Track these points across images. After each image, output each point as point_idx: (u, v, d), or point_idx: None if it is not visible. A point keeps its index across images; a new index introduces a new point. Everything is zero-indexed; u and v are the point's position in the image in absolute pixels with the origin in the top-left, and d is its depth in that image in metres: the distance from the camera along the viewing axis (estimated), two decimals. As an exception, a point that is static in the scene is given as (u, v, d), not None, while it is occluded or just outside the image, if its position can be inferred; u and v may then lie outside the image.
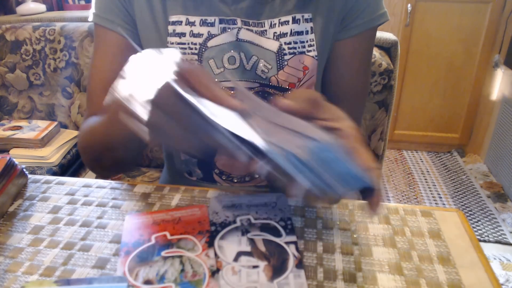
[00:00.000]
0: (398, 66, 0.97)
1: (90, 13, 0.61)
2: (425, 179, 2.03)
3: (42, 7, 1.49)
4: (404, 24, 1.96)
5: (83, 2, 1.60)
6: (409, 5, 1.91)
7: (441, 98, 2.12)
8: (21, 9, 1.44)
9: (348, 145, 0.38)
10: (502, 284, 1.45)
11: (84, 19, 1.30)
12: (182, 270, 0.37)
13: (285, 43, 0.57)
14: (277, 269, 0.37)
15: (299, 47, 0.57)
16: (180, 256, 0.39)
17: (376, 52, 0.93)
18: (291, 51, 0.57)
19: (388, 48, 0.96)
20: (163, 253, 0.40)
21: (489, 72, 2.00)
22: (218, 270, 0.37)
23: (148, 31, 0.60)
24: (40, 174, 1.16)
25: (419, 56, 2.03)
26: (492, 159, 2.02)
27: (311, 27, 0.57)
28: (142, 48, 0.62)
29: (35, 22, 1.27)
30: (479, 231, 1.66)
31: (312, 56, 0.58)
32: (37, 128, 1.26)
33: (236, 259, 0.39)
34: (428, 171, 2.10)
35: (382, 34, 0.97)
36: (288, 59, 0.57)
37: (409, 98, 2.14)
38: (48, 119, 1.33)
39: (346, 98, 0.64)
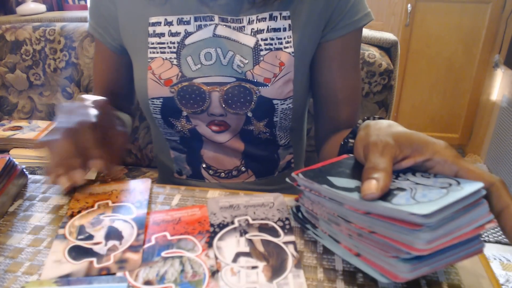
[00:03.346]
0: (398, 66, 0.97)
1: (88, 18, 0.66)
2: (425, 179, 2.03)
3: (42, 7, 1.49)
4: (404, 24, 1.96)
5: (83, 2, 1.60)
6: (409, 5, 1.91)
7: (441, 98, 2.12)
8: (21, 9, 1.44)
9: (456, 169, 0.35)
10: (502, 284, 1.45)
11: (84, 19, 1.29)
12: (182, 271, 0.37)
13: (261, 39, 0.58)
14: (276, 270, 0.37)
15: (275, 43, 0.59)
16: (180, 257, 0.39)
17: (376, 52, 0.93)
18: (267, 47, 0.59)
19: (388, 48, 0.96)
20: (163, 254, 0.40)
21: (489, 72, 2.00)
22: (218, 270, 0.38)
23: (131, 34, 0.63)
24: (40, 174, 1.16)
25: (419, 56, 2.03)
26: (492, 159, 2.02)
27: (289, 24, 0.59)
28: (128, 54, 0.66)
29: (35, 22, 1.27)
30: (479, 231, 1.65)
31: (289, 53, 0.59)
32: (37, 128, 1.26)
33: (235, 260, 0.39)
34: (428, 171, 2.10)
35: (382, 34, 0.97)
36: (264, 55, 0.59)
37: (409, 98, 2.14)
38: (48, 119, 1.33)
39: (340, 99, 0.65)
